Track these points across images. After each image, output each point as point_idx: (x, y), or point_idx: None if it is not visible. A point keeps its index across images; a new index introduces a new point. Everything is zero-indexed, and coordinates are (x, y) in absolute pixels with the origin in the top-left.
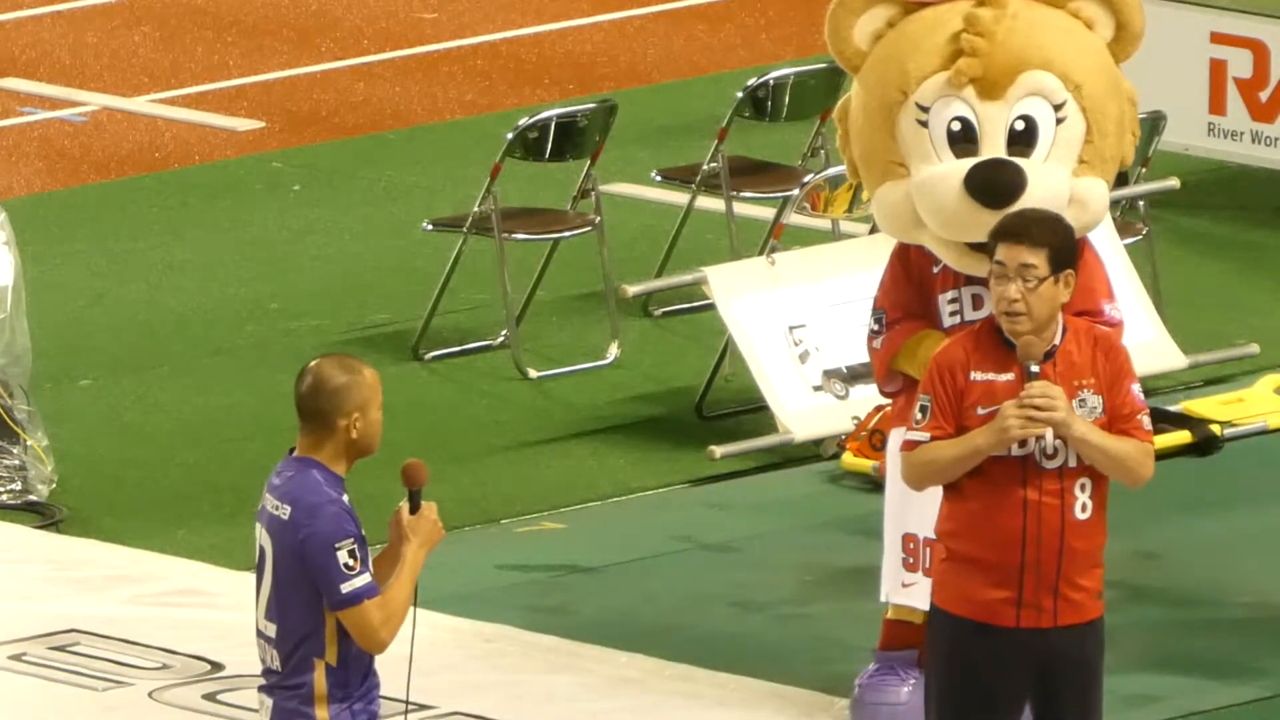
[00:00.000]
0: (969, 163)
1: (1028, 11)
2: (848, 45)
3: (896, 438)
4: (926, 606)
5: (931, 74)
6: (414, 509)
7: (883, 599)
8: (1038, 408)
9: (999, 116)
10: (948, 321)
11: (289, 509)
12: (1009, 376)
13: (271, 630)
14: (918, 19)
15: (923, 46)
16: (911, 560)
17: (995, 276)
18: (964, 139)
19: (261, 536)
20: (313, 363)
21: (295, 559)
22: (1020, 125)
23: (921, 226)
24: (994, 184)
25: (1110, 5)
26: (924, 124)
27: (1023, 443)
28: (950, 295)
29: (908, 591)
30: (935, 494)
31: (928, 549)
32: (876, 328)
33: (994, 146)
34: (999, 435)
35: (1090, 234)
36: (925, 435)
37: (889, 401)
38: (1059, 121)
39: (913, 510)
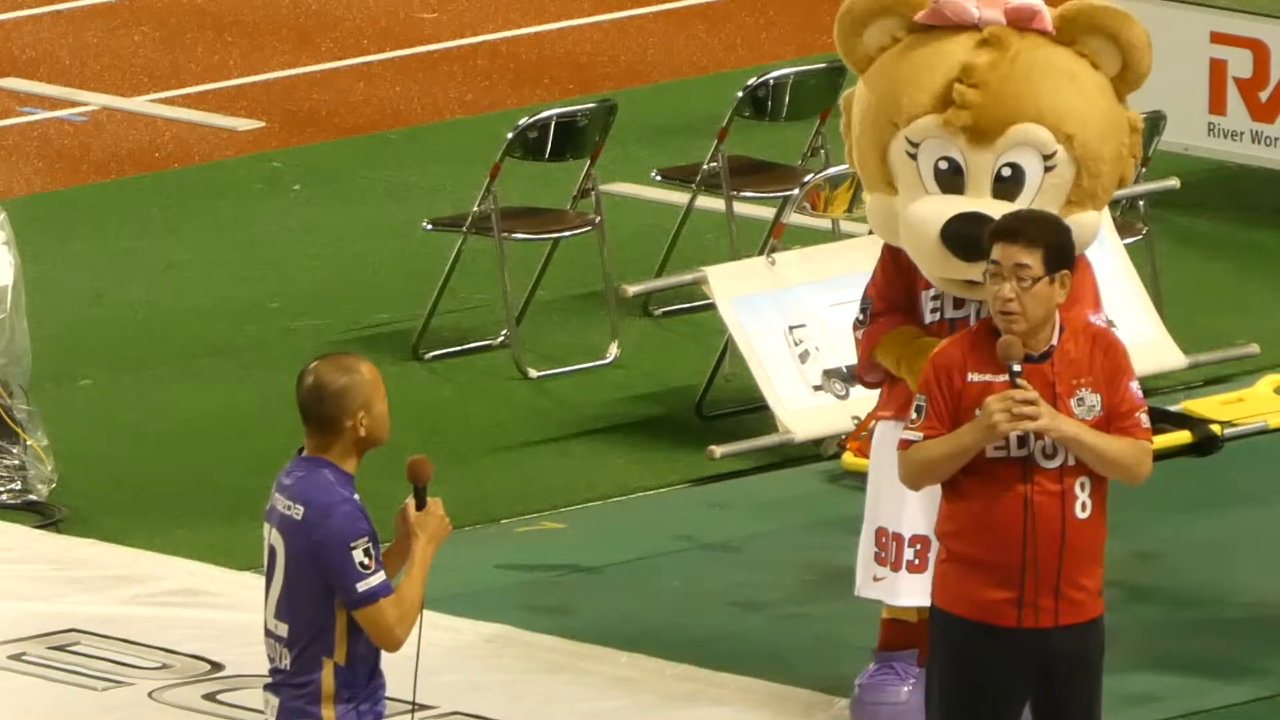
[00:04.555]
0: (948, 210)
1: (1029, 53)
2: (854, 52)
3: (881, 430)
4: (895, 602)
5: (923, 113)
6: (420, 505)
7: (855, 593)
8: (1024, 413)
9: (986, 163)
10: (929, 318)
11: (302, 509)
12: (1006, 378)
13: (282, 630)
14: (922, 44)
15: (919, 81)
16: (883, 555)
17: (991, 276)
18: (951, 175)
19: (271, 536)
20: (311, 365)
21: (308, 558)
22: (1007, 171)
23: None
24: (966, 239)
25: (1118, 44)
26: (913, 156)
27: (1022, 442)
28: (933, 293)
29: (877, 586)
30: (910, 490)
31: (895, 543)
32: (862, 317)
33: (979, 189)
34: (985, 431)
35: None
36: (919, 435)
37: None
38: (1048, 169)
39: (888, 505)
